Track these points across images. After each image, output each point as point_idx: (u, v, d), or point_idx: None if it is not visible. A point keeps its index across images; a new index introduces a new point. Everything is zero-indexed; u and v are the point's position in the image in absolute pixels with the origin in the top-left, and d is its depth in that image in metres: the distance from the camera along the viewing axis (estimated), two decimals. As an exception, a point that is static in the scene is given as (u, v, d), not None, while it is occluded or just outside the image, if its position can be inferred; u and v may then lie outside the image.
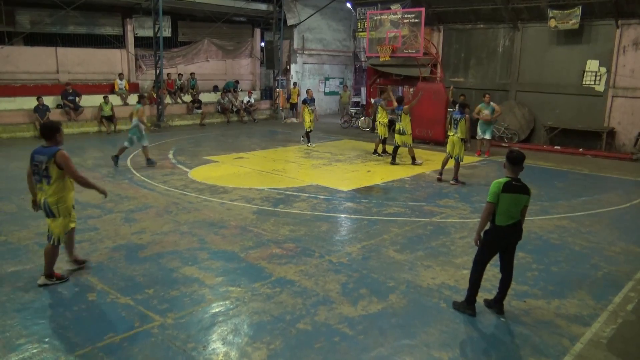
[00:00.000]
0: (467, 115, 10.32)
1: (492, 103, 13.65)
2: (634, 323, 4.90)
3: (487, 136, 13.73)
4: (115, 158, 11.42)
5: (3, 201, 8.44)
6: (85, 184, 5.38)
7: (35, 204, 5.43)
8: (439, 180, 10.55)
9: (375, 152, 13.70)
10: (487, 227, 4.80)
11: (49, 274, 5.38)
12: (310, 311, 4.90)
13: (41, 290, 5.19)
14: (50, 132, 5.24)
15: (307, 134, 14.89)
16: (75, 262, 5.75)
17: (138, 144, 11.49)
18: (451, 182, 10.39)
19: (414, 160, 12.32)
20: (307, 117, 14.65)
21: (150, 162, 11.47)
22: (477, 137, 13.84)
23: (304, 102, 14.85)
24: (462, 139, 10.26)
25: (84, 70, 18.17)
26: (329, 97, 24.80)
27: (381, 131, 13.24)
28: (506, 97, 16.70)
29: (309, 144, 14.83)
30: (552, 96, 15.81)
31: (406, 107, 11.89)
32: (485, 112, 13.44)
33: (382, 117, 13.13)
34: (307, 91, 15.57)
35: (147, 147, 11.54)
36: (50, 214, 5.26)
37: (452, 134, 10.35)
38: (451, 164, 10.51)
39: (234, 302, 5.07)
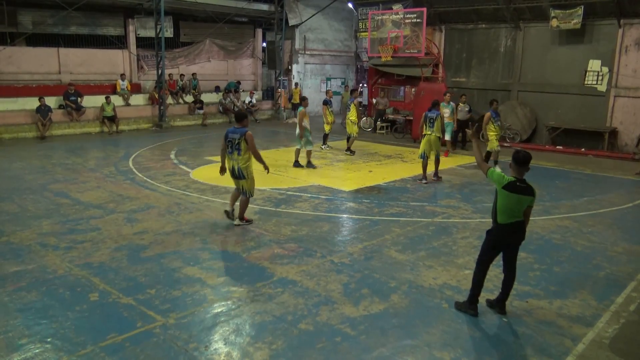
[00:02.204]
0: (441, 114, 10.43)
1: (452, 102, 13.47)
2: (637, 323, 4.89)
3: (447, 137, 13.26)
4: (310, 165, 11.54)
5: (5, 201, 8.46)
6: (259, 158, 7.15)
7: (223, 170, 7.30)
8: (425, 182, 10.34)
9: (348, 149, 13.65)
10: (490, 226, 4.83)
11: (242, 217, 7.36)
12: (312, 311, 4.90)
13: (43, 290, 5.20)
14: (241, 117, 7.19)
15: (325, 137, 14.28)
16: (240, 219, 7.39)
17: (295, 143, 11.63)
18: (432, 177, 10.51)
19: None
20: (330, 119, 13.86)
21: (299, 164, 11.65)
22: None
23: (325, 102, 13.95)
24: (438, 137, 10.29)
25: (86, 70, 18.19)
26: (330, 97, 24.75)
27: (352, 129, 13.41)
28: (508, 97, 16.69)
29: (324, 147, 14.29)
30: (554, 96, 15.79)
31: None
32: (446, 111, 12.81)
33: (352, 115, 13.37)
34: (327, 92, 14.79)
35: (300, 149, 11.59)
36: (241, 176, 7.10)
37: (429, 132, 10.25)
38: (431, 166, 10.48)
39: (236, 302, 5.07)
